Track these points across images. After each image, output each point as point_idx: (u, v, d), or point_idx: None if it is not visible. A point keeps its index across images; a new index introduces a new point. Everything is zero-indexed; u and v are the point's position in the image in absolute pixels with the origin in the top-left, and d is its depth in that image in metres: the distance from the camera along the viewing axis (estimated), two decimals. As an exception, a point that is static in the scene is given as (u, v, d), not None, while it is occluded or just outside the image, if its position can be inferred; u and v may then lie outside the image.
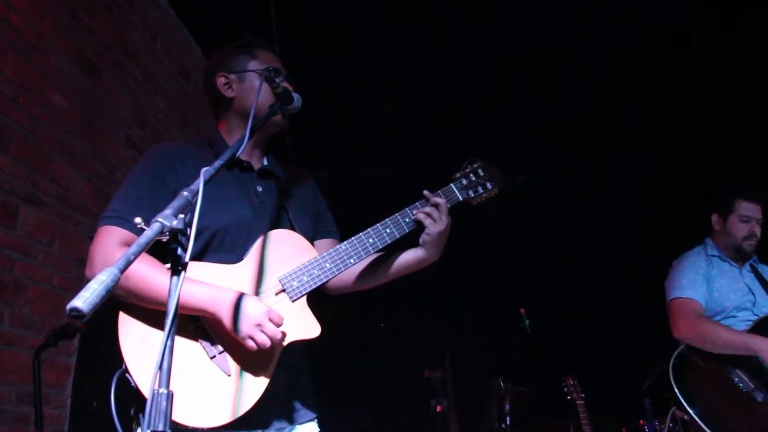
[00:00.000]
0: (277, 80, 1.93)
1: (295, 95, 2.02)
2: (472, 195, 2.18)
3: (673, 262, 3.73)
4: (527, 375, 6.03)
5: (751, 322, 3.35)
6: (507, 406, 5.55)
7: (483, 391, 5.92)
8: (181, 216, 1.30)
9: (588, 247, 6.99)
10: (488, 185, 2.19)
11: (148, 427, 1.22)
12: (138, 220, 1.31)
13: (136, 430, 1.76)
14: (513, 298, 6.36)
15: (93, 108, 3.46)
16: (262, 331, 1.75)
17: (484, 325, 7.27)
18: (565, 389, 4.98)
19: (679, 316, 3.40)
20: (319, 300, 2.26)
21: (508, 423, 5.51)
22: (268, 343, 1.75)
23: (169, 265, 1.31)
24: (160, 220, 1.27)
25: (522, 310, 5.81)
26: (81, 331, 2.87)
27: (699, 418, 3.09)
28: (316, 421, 2.10)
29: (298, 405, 2.02)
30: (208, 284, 1.79)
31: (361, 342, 7.03)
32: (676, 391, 3.21)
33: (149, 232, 1.24)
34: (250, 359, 1.82)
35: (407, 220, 2.07)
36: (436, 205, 2.05)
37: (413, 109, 5.39)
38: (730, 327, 3.31)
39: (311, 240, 2.12)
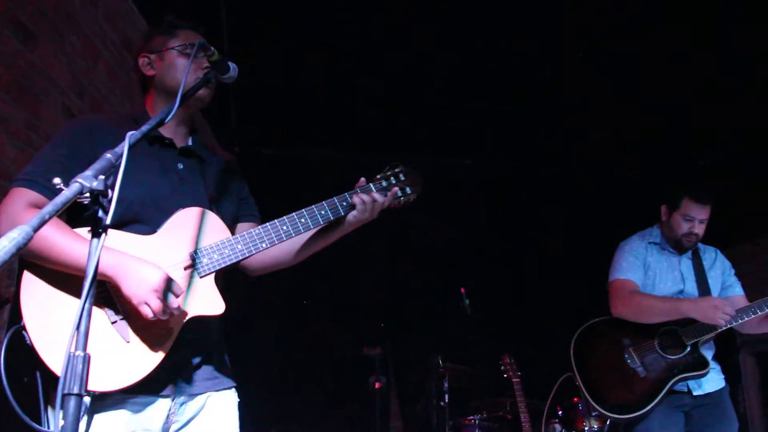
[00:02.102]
0: (212, 49, 1.92)
1: (231, 64, 2.03)
2: (390, 199, 2.25)
3: (620, 242, 3.97)
4: (466, 354, 6.13)
5: None
6: (445, 384, 5.65)
7: (422, 369, 5.99)
8: (102, 177, 1.30)
9: (529, 228, 7.11)
10: (407, 190, 2.28)
11: (63, 390, 1.22)
12: (57, 180, 1.30)
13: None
14: (453, 277, 6.44)
15: (27, 74, 3.36)
16: (158, 298, 1.74)
17: (423, 303, 7.35)
18: (502, 368, 5.12)
19: (617, 296, 3.70)
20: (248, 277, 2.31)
21: (446, 401, 5.61)
22: (160, 310, 1.74)
23: (87, 230, 1.31)
24: (79, 180, 1.26)
25: (462, 290, 5.91)
26: (8, 302, 2.80)
27: (584, 384, 3.65)
28: (234, 389, 2.15)
29: (214, 374, 2.06)
30: (111, 249, 1.78)
31: (298, 319, 7.03)
32: (572, 360, 3.77)
33: (67, 192, 1.24)
34: (150, 328, 1.83)
35: (344, 203, 2.16)
36: (375, 201, 2.16)
37: (362, 89, 5.37)
38: (662, 296, 3.65)
39: (232, 222, 2.19)
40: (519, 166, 6.53)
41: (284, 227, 2.08)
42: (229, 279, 2.22)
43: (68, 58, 3.74)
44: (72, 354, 1.24)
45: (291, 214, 2.11)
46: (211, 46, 1.94)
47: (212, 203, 2.11)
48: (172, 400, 1.93)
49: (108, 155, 1.37)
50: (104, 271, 1.76)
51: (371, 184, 2.22)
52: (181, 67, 2.06)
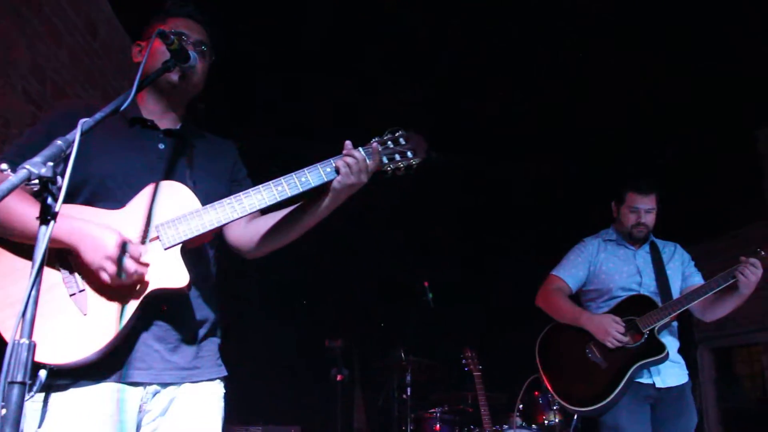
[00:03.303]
0: (171, 37, 1.91)
1: (192, 53, 2.02)
2: (386, 161, 2.07)
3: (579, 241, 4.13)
4: (428, 347, 6.18)
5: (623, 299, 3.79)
6: (408, 377, 5.68)
7: (385, 361, 6.02)
8: (50, 164, 1.28)
9: (492, 223, 7.18)
10: (408, 154, 2.08)
11: (7, 378, 1.21)
12: (4, 166, 1.28)
13: None
14: (417, 271, 6.47)
15: (-15, 57, 3.30)
16: (114, 262, 1.72)
17: (386, 296, 7.38)
18: (464, 361, 5.16)
19: (542, 289, 4.00)
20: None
21: (408, 393, 5.65)
22: (115, 272, 1.73)
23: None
24: (27, 167, 1.25)
25: (425, 284, 5.95)
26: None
27: (550, 383, 3.78)
28: (219, 381, 2.09)
29: (193, 363, 1.99)
30: (70, 217, 1.77)
31: (260, 310, 7.01)
32: (537, 359, 3.89)
33: (14, 179, 1.22)
34: (109, 300, 1.80)
35: (328, 169, 1.99)
36: (359, 161, 1.97)
37: (334, 82, 5.37)
38: (573, 303, 3.87)
39: None
40: (484, 161, 6.59)
41: (258, 196, 1.95)
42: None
43: (28, 41, 3.67)
44: (17, 341, 1.22)
45: (266, 183, 1.97)
46: (171, 34, 1.92)
47: (195, 182, 2.03)
48: (144, 389, 1.88)
49: (59, 142, 1.35)
50: (62, 238, 1.74)
51: (360, 148, 2.03)
52: (162, 56, 1.99)
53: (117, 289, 1.80)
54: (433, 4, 4.55)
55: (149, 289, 1.84)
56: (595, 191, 6.16)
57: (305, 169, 1.99)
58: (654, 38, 4.78)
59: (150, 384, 1.90)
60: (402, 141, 2.10)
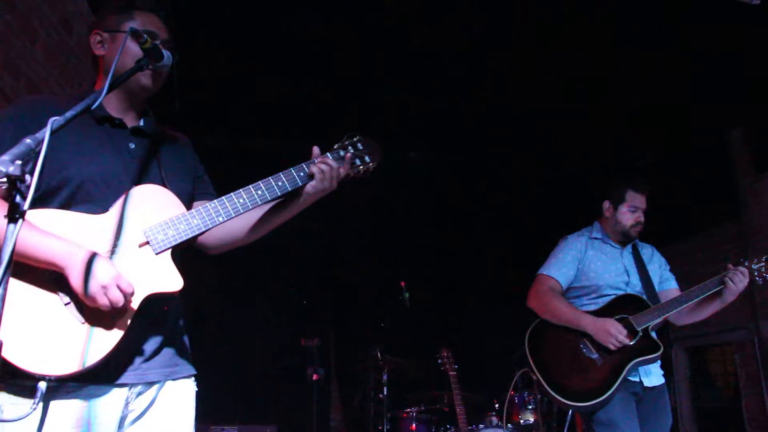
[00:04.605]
0: (144, 36, 1.89)
1: (166, 53, 1.99)
2: (348, 167, 2.19)
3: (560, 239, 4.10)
4: (405, 347, 6.19)
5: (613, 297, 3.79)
6: (384, 377, 5.69)
7: (361, 361, 6.03)
8: (19, 162, 1.27)
9: (470, 223, 7.21)
10: (366, 159, 2.23)
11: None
12: None
13: None
14: (393, 271, 6.49)
15: (-43, 53, 3.25)
16: (106, 295, 1.72)
17: (363, 296, 7.38)
18: (439, 361, 5.19)
19: (534, 289, 3.90)
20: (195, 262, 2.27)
21: (385, 393, 5.66)
22: (109, 306, 1.74)
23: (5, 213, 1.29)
24: (-6, 165, 1.24)
25: (402, 284, 5.97)
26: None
27: (542, 377, 3.69)
28: (193, 378, 2.12)
29: (173, 361, 2.03)
30: (62, 239, 1.76)
31: (238, 308, 6.99)
32: (528, 353, 3.80)
33: (-21, 176, 1.21)
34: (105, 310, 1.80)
35: (302, 174, 2.10)
36: (333, 168, 2.10)
37: (305, 81, 5.36)
38: (571, 304, 3.81)
39: (188, 200, 2.14)
40: (462, 161, 6.62)
41: (240, 200, 2.03)
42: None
43: (2, 37, 3.63)
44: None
45: (247, 187, 2.05)
46: (144, 33, 1.91)
47: (166, 182, 2.06)
48: (129, 389, 1.89)
49: (28, 140, 1.33)
50: (55, 262, 1.73)
51: (328, 153, 2.16)
52: (133, 54, 1.98)
53: None
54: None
55: (145, 294, 1.86)
56: (574, 192, 6.25)
57: (281, 173, 2.10)
58: (627, 38, 4.83)
59: (136, 384, 1.91)
60: (360, 146, 2.24)
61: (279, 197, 2.11)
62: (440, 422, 5.67)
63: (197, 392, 2.13)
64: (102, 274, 1.73)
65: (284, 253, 5.98)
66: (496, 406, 5.44)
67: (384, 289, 6.50)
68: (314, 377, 5.65)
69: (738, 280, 3.49)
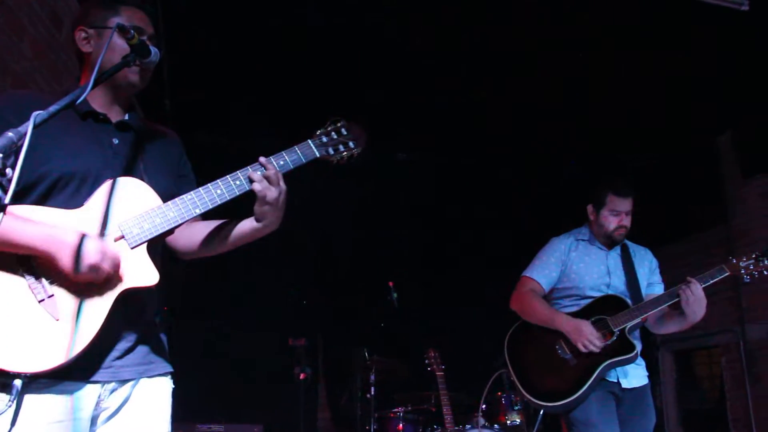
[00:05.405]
0: (131, 32, 1.89)
1: (153, 49, 2.00)
2: (332, 153, 2.17)
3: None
4: (392, 347, 6.20)
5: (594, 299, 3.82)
6: (372, 377, 5.69)
7: (349, 361, 6.03)
8: (0, 156, 1.27)
9: (459, 224, 7.22)
10: (350, 144, 2.20)
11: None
12: None
13: None
14: (382, 271, 6.49)
15: (-57, 47, 3.23)
16: (98, 271, 1.74)
17: (352, 296, 7.38)
18: (427, 361, 5.20)
19: (516, 291, 3.97)
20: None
21: (372, 393, 5.66)
22: (97, 278, 1.76)
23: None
24: (-25, 159, 1.23)
25: (390, 284, 5.97)
26: None
27: (517, 377, 3.79)
28: (170, 376, 2.10)
29: (147, 358, 2.01)
30: (40, 222, 1.76)
31: (224, 307, 6.98)
32: (507, 354, 3.90)
33: (-39, 170, 1.21)
34: (81, 305, 1.79)
35: (281, 162, 2.06)
36: (267, 177, 2.00)
37: (294, 77, 5.36)
38: (548, 305, 3.88)
39: (168, 198, 2.08)
40: (451, 162, 6.63)
41: (218, 191, 2.00)
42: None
43: (-11, 33, 3.61)
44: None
45: (224, 177, 2.02)
46: (131, 28, 1.91)
47: (148, 176, 2.04)
48: (102, 386, 1.88)
49: (10, 134, 1.34)
50: (36, 245, 1.73)
51: (310, 140, 2.15)
52: (119, 49, 1.97)
53: (87, 292, 1.80)
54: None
55: (120, 289, 1.85)
56: (567, 194, 6.27)
57: (253, 165, 2.05)
58: (617, 40, 4.86)
59: (109, 381, 1.90)
60: (344, 131, 2.20)
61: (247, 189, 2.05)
62: (427, 422, 5.67)
63: (179, 390, 2.12)
64: (91, 248, 1.74)
65: (272, 253, 5.97)
66: (483, 406, 5.45)
67: (372, 288, 6.49)
68: (301, 377, 5.65)
69: (690, 293, 3.47)
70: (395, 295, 5.94)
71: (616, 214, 3.84)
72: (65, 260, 1.72)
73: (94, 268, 1.74)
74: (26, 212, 1.80)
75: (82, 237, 1.75)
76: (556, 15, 4.59)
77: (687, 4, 4.24)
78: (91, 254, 1.73)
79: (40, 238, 1.73)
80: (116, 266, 1.80)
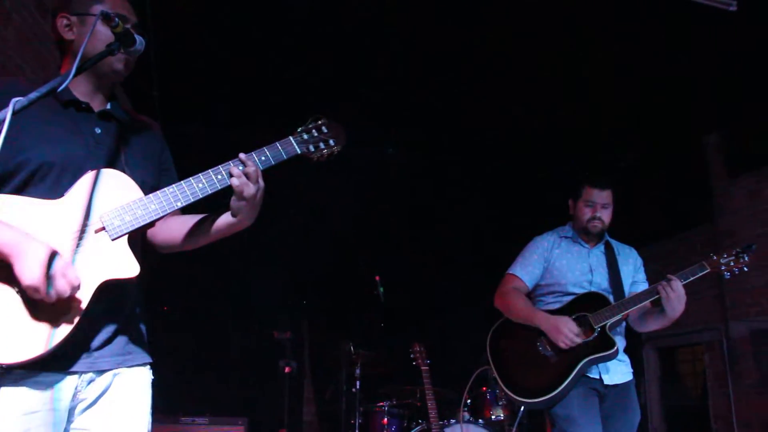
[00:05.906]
0: (116, 20, 1.87)
1: (138, 38, 1.97)
2: (312, 150, 2.18)
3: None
4: (378, 341, 6.20)
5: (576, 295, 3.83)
6: (357, 371, 5.69)
7: (335, 355, 6.03)
8: (-22, 144, 1.25)
9: (444, 219, 7.23)
10: (330, 142, 2.22)
11: None
12: None
13: None
14: (368, 265, 6.49)
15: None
16: (53, 286, 1.70)
17: (338, 290, 7.37)
18: (412, 356, 5.21)
19: (499, 288, 4.00)
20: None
21: (357, 387, 5.66)
22: (53, 298, 1.71)
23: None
24: (-48, 145, 1.22)
25: (377, 278, 5.97)
26: None
27: (499, 375, 3.82)
28: (149, 367, 2.10)
29: (126, 349, 2.01)
30: (13, 228, 1.73)
31: (210, 300, 6.96)
32: (489, 350, 3.92)
33: (-64, 157, 1.19)
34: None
35: (263, 158, 2.07)
36: (246, 174, 1.99)
37: (284, 71, 5.34)
38: (529, 302, 3.92)
39: (151, 191, 2.07)
40: (437, 157, 6.64)
41: (200, 184, 2.00)
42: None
43: (-28, 20, 3.57)
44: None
45: (206, 171, 2.02)
46: (115, 16, 1.88)
47: (129, 169, 2.03)
48: (80, 377, 1.87)
49: (-12, 121, 1.33)
50: (1, 249, 1.71)
51: (291, 137, 2.16)
52: (102, 37, 1.95)
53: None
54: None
55: (100, 280, 1.83)
56: (554, 192, 6.29)
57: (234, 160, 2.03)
58: (604, 40, 4.87)
59: (86, 372, 1.89)
60: (324, 129, 2.22)
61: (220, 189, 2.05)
62: (412, 417, 5.69)
63: (162, 383, 2.13)
64: (49, 264, 1.70)
65: (257, 245, 5.95)
66: (468, 402, 5.47)
67: (358, 282, 6.49)
68: (286, 370, 5.65)
69: (670, 290, 3.49)
70: (381, 289, 5.95)
71: (591, 205, 3.86)
72: (19, 270, 1.69)
73: (48, 282, 1.70)
74: (5, 202, 1.78)
75: (42, 248, 1.71)
76: (537, 14, 4.60)
77: (674, 4, 4.25)
78: (50, 268, 1.70)
79: (5, 243, 1.71)
80: (74, 290, 1.75)
